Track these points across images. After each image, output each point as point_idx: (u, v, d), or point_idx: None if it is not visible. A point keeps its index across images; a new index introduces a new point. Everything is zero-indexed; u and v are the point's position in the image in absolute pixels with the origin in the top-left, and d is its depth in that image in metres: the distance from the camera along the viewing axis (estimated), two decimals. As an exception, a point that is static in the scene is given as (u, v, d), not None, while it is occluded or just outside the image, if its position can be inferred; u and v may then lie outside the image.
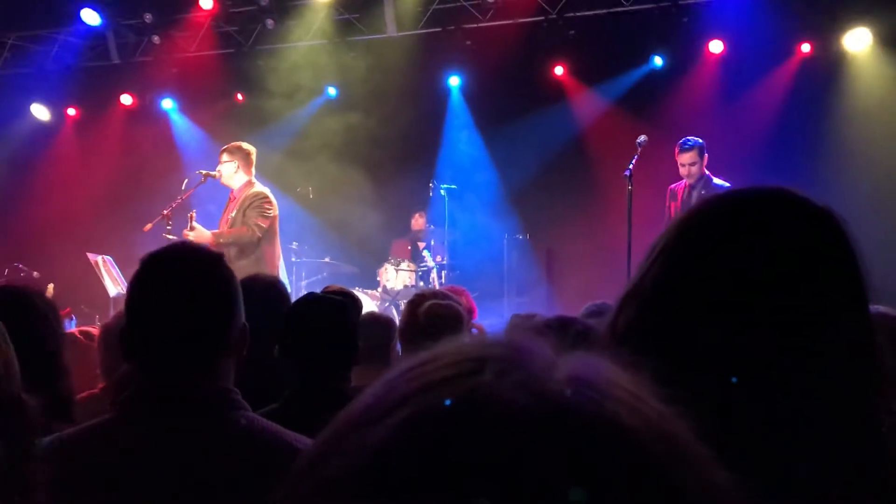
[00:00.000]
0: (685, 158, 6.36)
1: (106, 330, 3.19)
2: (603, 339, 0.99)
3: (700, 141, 6.41)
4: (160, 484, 1.48)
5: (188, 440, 1.52)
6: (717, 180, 6.41)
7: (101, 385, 3.13)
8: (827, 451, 0.87)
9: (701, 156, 6.40)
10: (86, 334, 3.39)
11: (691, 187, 6.46)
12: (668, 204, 6.57)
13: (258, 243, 6.17)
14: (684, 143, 6.43)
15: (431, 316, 2.76)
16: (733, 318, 0.90)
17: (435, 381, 0.46)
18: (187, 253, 1.66)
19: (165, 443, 1.51)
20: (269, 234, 6.27)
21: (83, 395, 2.98)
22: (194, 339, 1.56)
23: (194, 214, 6.14)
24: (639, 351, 0.89)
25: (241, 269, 6.06)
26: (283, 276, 6.82)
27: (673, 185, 6.62)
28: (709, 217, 0.98)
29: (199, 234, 6.09)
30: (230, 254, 6.17)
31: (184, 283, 1.57)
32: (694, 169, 6.38)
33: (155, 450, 1.51)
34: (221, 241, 6.08)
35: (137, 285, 1.60)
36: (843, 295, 0.93)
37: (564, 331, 1.57)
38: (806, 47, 8.09)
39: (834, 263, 0.93)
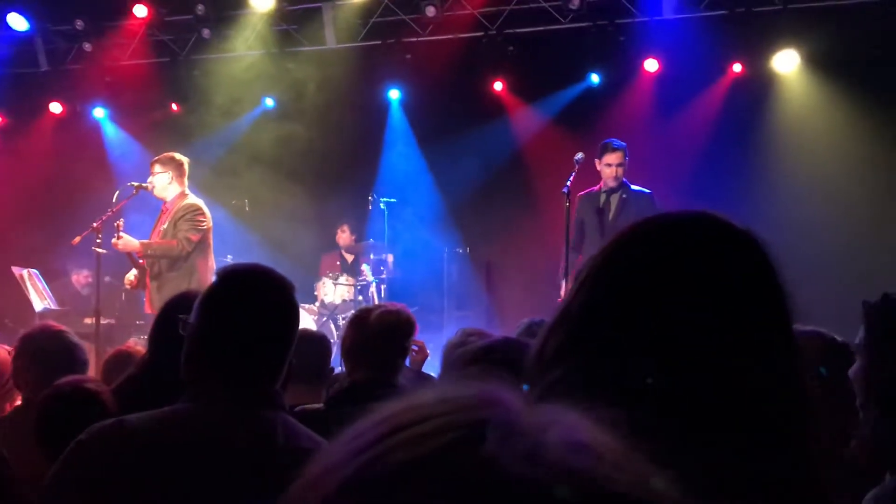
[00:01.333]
0: (613, 158, 6.23)
1: (29, 341, 3.04)
2: (531, 365, 0.98)
3: (623, 143, 6.36)
4: (226, 470, 1.64)
5: (257, 430, 1.71)
6: (635, 186, 6.38)
7: (16, 404, 3.00)
8: (756, 474, 0.87)
9: (626, 157, 6.33)
10: None
11: (611, 191, 6.32)
12: (577, 213, 6.33)
13: (188, 257, 6.05)
14: (612, 142, 6.29)
15: (384, 324, 2.72)
16: (657, 345, 0.90)
17: (436, 451, 0.44)
18: (268, 274, 1.88)
19: (233, 433, 1.68)
20: (201, 246, 6.15)
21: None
22: (269, 358, 1.79)
23: (122, 224, 5.99)
24: (565, 378, 0.89)
25: (172, 280, 5.95)
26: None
27: (583, 193, 6.43)
28: (633, 243, 0.98)
29: (127, 243, 5.94)
30: (161, 266, 6.04)
31: (264, 301, 1.81)
32: (620, 171, 6.27)
33: (227, 437, 1.68)
34: (150, 252, 5.96)
35: (220, 297, 1.81)
36: (767, 317, 0.93)
37: (493, 359, 1.58)
38: (737, 67, 8.32)
39: (756, 286, 0.94)
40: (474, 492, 0.42)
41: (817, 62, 8.03)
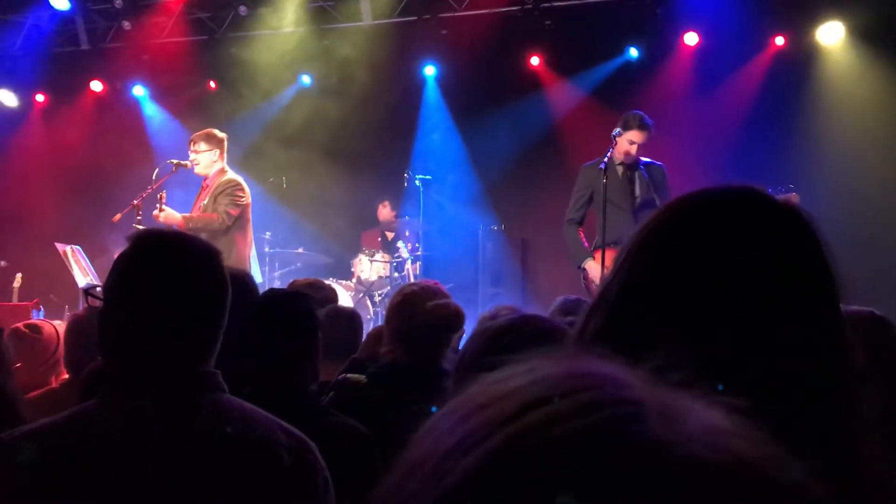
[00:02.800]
0: (638, 137, 5.87)
1: (75, 323, 3.12)
2: (572, 345, 0.98)
3: (648, 119, 5.97)
4: (135, 471, 1.48)
5: (178, 420, 1.53)
6: (645, 158, 6.06)
7: (63, 378, 3.08)
8: (804, 450, 0.86)
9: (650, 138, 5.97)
10: (32, 327, 3.30)
11: (629, 166, 6.00)
12: (583, 184, 6.06)
13: (228, 231, 6.11)
14: (639, 118, 5.91)
15: (438, 317, 2.73)
16: (701, 322, 0.89)
17: (590, 428, 0.40)
18: (178, 240, 1.64)
19: (150, 426, 1.51)
20: (240, 221, 6.21)
21: (36, 392, 2.92)
22: (184, 330, 1.56)
23: (164, 195, 6.06)
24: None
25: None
26: (255, 265, 6.77)
27: (592, 163, 6.07)
28: (674, 220, 0.97)
29: (169, 215, 6.02)
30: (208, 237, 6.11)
31: (175, 273, 1.56)
32: (639, 151, 5.97)
33: (139, 434, 1.50)
34: (191, 225, 6.01)
35: (126, 268, 1.57)
36: (814, 294, 0.92)
37: (522, 333, 1.56)
38: (780, 40, 8.14)
39: (802, 262, 0.93)
40: (640, 472, 0.39)
41: (862, 34, 7.83)
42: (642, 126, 5.92)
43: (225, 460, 1.52)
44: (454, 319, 2.80)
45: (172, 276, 1.55)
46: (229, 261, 5.74)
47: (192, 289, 1.56)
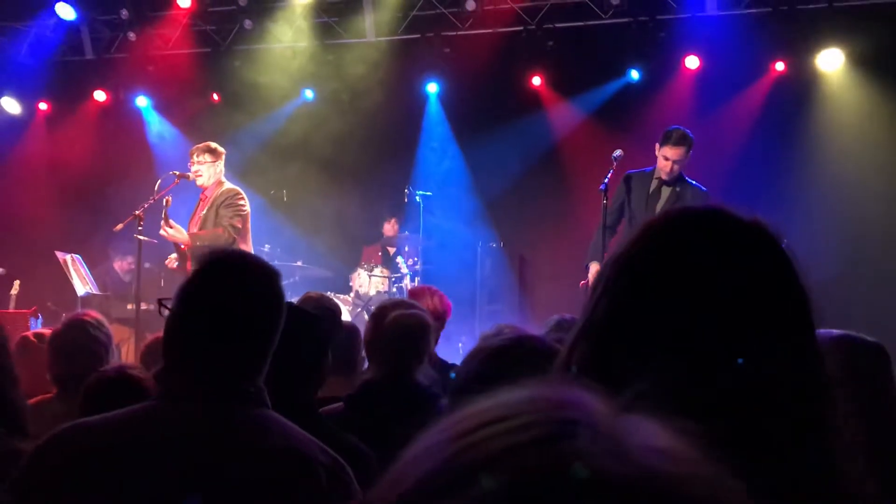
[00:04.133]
0: (672, 153, 5.66)
1: (55, 336, 3.14)
2: (557, 375, 0.98)
3: (692, 135, 5.77)
4: (187, 472, 1.55)
5: (224, 430, 1.60)
6: (694, 182, 5.92)
7: (53, 391, 3.08)
8: (780, 471, 0.87)
9: (688, 153, 5.75)
10: (39, 336, 3.33)
11: (664, 183, 5.82)
12: (620, 191, 5.92)
13: (234, 242, 6.13)
14: (676, 132, 5.69)
15: (397, 326, 2.73)
16: (677, 348, 0.90)
17: (522, 444, 0.45)
18: (250, 261, 1.79)
19: (200, 431, 1.59)
20: (242, 232, 6.24)
21: (35, 399, 2.93)
22: (243, 341, 1.67)
23: (169, 204, 6.05)
24: (647, 392, 0.89)
25: None
26: None
27: (634, 171, 5.97)
28: (646, 246, 0.97)
29: (177, 233, 6.03)
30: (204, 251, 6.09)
31: (244, 288, 1.69)
32: (676, 168, 5.75)
33: (189, 437, 1.58)
34: (198, 242, 6.03)
35: (198, 282, 1.70)
36: (787, 315, 0.93)
37: (517, 355, 1.57)
38: (780, 66, 8.20)
39: (769, 284, 0.93)
40: (558, 486, 0.43)
41: (862, 61, 7.90)
42: (677, 142, 5.67)
43: (267, 472, 1.58)
44: (416, 328, 2.80)
45: (236, 295, 1.67)
46: None
47: (253, 308, 1.68)
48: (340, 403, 2.68)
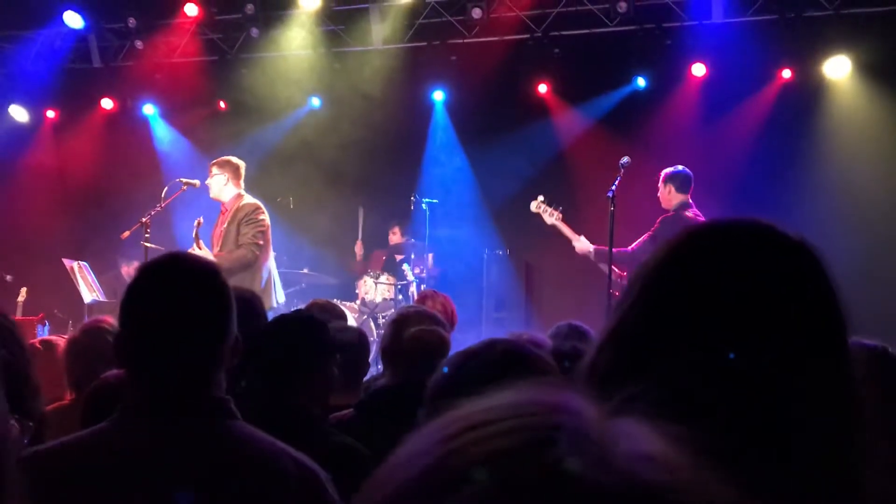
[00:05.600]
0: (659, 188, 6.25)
1: (73, 342, 3.15)
2: (582, 379, 0.98)
3: (670, 170, 6.20)
4: (154, 490, 1.51)
5: (184, 446, 1.54)
6: (689, 214, 6.20)
7: (68, 397, 3.09)
8: (812, 483, 0.87)
9: (663, 182, 6.21)
10: (45, 344, 3.33)
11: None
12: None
13: (256, 259, 6.10)
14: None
15: (417, 342, 2.73)
16: (712, 358, 0.89)
17: (505, 450, 0.45)
18: (185, 263, 1.69)
19: (162, 450, 1.53)
20: (263, 247, 6.23)
21: (51, 406, 2.94)
22: (191, 348, 1.58)
23: (200, 223, 6.02)
24: (641, 394, 0.89)
25: (242, 278, 5.93)
26: (278, 285, 6.72)
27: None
28: (683, 254, 0.97)
29: (205, 255, 5.93)
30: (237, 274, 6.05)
31: (182, 293, 1.59)
32: (662, 199, 6.25)
33: (151, 457, 1.53)
34: (226, 265, 5.95)
35: (136, 292, 1.62)
36: (821, 328, 0.92)
37: (488, 359, 1.56)
38: (787, 73, 8.20)
39: (811, 297, 0.93)
40: (539, 492, 0.43)
41: (869, 68, 7.88)
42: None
43: (231, 487, 1.54)
44: (435, 347, 2.80)
45: (172, 297, 1.59)
46: (255, 283, 5.78)
47: (192, 306, 1.59)
48: (350, 410, 2.68)
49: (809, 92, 8.17)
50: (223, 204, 6.29)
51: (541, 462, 0.44)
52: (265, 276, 6.18)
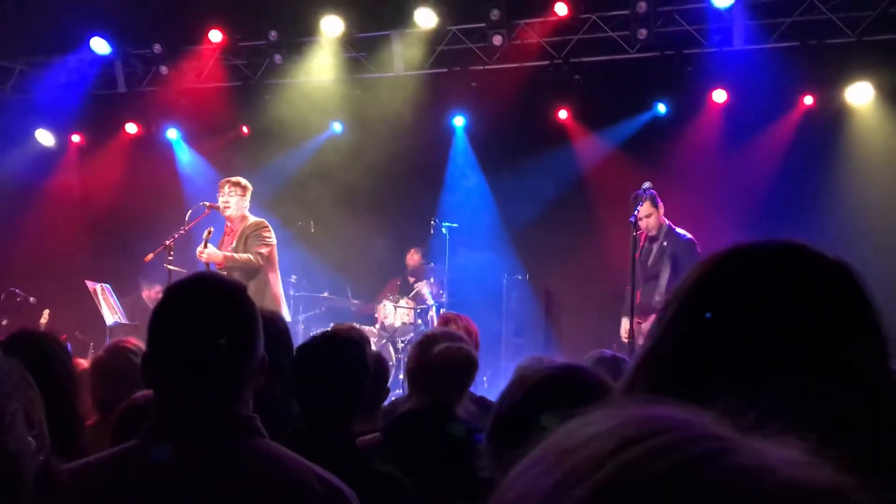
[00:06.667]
0: (641, 211, 6.09)
1: (98, 363, 3.16)
2: (619, 399, 0.97)
3: (652, 191, 6.27)
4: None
5: (210, 466, 1.54)
6: (679, 230, 6.42)
7: (93, 417, 3.10)
8: None
9: (655, 206, 6.36)
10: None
11: (651, 239, 6.42)
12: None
13: (261, 270, 6.32)
14: (638, 194, 6.16)
15: (445, 359, 2.72)
16: (753, 379, 0.89)
17: (687, 460, 0.45)
18: (212, 283, 1.69)
19: (188, 468, 1.53)
20: (269, 261, 6.40)
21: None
22: (217, 367, 1.58)
23: (211, 232, 6.22)
24: (765, 412, 0.88)
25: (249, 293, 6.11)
26: (284, 304, 6.87)
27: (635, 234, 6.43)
28: (721, 273, 0.96)
29: (212, 253, 6.18)
30: (239, 277, 6.22)
31: (209, 312, 1.60)
32: (650, 222, 6.35)
33: (176, 476, 1.53)
34: (230, 263, 6.20)
35: (161, 313, 1.63)
36: (865, 349, 0.91)
37: (565, 386, 1.55)
38: (809, 99, 8.17)
39: (854, 318, 0.92)
40: (753, 495, 0.43)
41: (892, 95, 7.86)
42: (641, 199, 6.19)
43: None
44: (464, 363, 2.78)
45: (199, 316, 1.60)
46: (265, 300, 5.92)
47: (219, 325, 1.59)
48: (378, 434, 2.66)
49: (831, 118, 8.14)
50: (230, 223, 6.41)
51: (730, 468, 0.44)
52: (274, 294, 6.41)
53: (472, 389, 4.22)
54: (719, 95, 8.40)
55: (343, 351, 2.26)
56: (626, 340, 6.18)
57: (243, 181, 6.56)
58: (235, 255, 6.26)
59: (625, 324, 6.26)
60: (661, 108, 8.70)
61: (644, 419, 0.48)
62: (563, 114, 9.10)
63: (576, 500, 0.44)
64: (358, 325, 7.82)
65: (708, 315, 0.94)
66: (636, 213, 5.75)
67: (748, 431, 0.49)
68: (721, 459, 0.44)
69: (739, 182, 8.08)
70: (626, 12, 8.20)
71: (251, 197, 6.60)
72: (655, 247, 6.41)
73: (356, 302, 9.03)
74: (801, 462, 0.46)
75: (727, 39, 8.18)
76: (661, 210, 6.39)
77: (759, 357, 0.90)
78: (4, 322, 8.39)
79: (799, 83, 8.09)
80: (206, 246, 6.15)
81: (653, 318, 6.04)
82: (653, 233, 6.36)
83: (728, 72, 8.19)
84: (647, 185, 5.98)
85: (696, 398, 0.89)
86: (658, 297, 6.21)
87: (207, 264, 6.20)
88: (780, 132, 8.25)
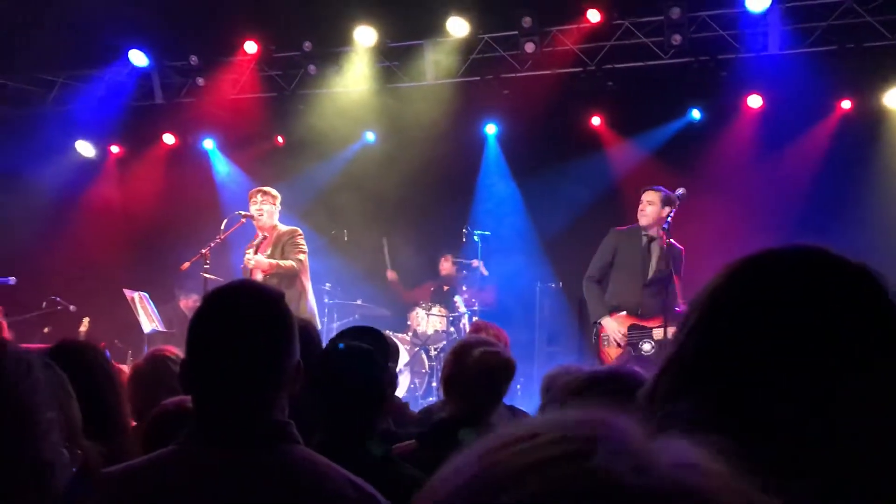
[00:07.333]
0: (648, 196, 6.23)
1: (137, 370, 3.22)
2: (641, 405, 0.98)
3: (667, 191, 6.24)
4: None
5: (247, 471, 1.56)
6: (671, 240, 6.21)
7: (133, 424, 3.15)
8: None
9: (661, 202, 6.18)
10: None
11: (651, 238, 6.24)
12: (610, 244, 6.41)
13: (298, 276, 6.43)
14: (659, 188, 6.29)
15: (482, 364, 2.72)
16: (774, 385, 0.89)
17: (547, 459, 0.47)
18: (249, 290, 1.72)
19: (224, 474, 1.55)
20: (304, 267, 6.54)
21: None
22: (254, 373, 1.60)
23: (264, 239, 6.38)
24: (684, 411, 0.89)
25: (288, 299, 6.23)
26: (316, 312, 6.97)
27: (623, 228, 6.47)
28: (742, 279, 0.96)
29: (259, 260, 6.31)
30: (280, 284, 6.31)
31: (245, 319, 1.62)
32: (648, 209, 6.17)
33: (214, 481, 1.55)
34: (275, 270, 6.32)
35: (200, 320, 1.66)
36: (886, 355, 0.91)
37: (598, 389, 1.54)
38: (846, 104, 8.06)
39: (875, 323, 0.92)
40: (581, 498, 0.45)
41: (932, 99, 7.72)
42: (652, 188, 6.29)
43: None
44: (502, 367, 2.78)
45: (237, 322, 1.62)
46: (300, 307, 6.04)
47: (256, 331, 1.61)
48: (413, 441, 2.68)
49: (870, 123, 8.01)
50: (263, 231, 6.49)
51: (582, 469, 0.46)
52: (309, 302, 6.53)
53: (505, 399, 4.24)
54: (754, 101, 8.32)
55: (355, 364, 2.27)
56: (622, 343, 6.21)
57: (273, 190, 6.66)
58: (281, 262, 6.35)
59: (610, 325, 6.28)
60: (696, 114, 8.64)
61: (555, 421, 0.51)
62: (596, 120, 9.06)
63: (449, 489, 0.49)
64: (391, 333, 7.87)
65: (729, 320, 0.95)
66: (669, 219, 5.71)
67: (674, 436, 0.50)
68: (570, 462, 0.47)
69: (775, 189, 7.98)
70: (660, 18, 8.16)
71: (280, 205, 6.69)
72: (655, 247, 6.27)
73: (385, 312, 9.06)
74: (686, 467, 0.47)
75: (762, 44, 8.10)
76: (665, 213, 6.15)
77: (778, 362, 0.90)
78: (46, 329, 8.55)
79: (836, 87, 7.99)
80: (256, 252, 6.28)
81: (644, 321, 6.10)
82: (645, 222, 6.22)
83: (763, 77, 8.11)
84: (681, 191, 5.93)
85: (719, 403, 0.90)
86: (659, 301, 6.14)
87: (253, 270, 6.29)
88: (816, 138, 8.15)
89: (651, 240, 6.25)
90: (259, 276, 6.22)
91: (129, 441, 2.30)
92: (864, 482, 0.87)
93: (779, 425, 0.87)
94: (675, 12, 7.94)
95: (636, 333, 6.19)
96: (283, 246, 6.42)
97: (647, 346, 6.09)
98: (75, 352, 2.26)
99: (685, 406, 0.91)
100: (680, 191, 5.93)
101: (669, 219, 5.76)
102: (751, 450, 0.55)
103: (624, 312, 6.22)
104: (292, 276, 6.35)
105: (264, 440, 1.60)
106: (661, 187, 6.28)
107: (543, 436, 0.49)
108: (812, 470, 0.85)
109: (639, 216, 6.26)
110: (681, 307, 5.90)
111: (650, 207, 6.18)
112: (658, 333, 6.01)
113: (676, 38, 8.03)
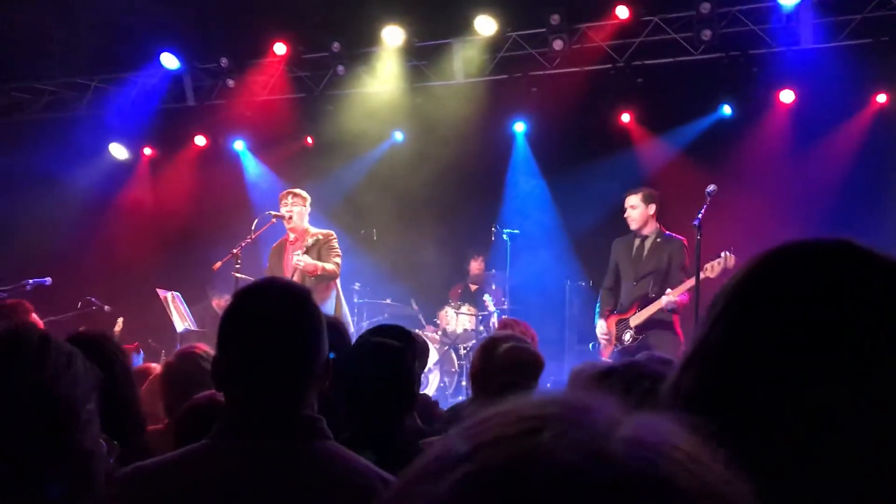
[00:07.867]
0: (627, 202, 6.48)
1: (169, 368, 3.26)
2: (665, 401, 0.97)
3: (648, 189, 6.51)
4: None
5: (278, 465, 1.58)
6: (668, 232, 6.50)
7: (165, 421, 3.19)
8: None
9: (646, 202, 6.41)
10: (140, 372, 3.45)
11: (643, 237, 6.47)
12: (612, 257, 6.71)
13: (334, 279, 6.57)
14: (640, 187, 6.56)
15: (511, 357, 2.72)
16: (800, 379, 0.87)
17: (494, 439, 0.49)
18: (279, 288, 1.74)
19: (256, 467, 1.58)
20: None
21: (148, 428, 3.04)
22: (283, 369, 1.63)
23: (316, 239, 6.48)
24: (705, 413, 0.88)
25: (322, 300, 6.30)
26: (347, 311, 7.05)
27: (620, 238, 6.76)
28: (771, 273, 0.95)
29: (308, 262, 6.37)
30: (317, 287, 6.38)
31: (276, 316, 1.65)
32: (634, 214, 6.40)
33: (246, 474, 1.57)
34: (320, 272, 6.40)
35: (231, 317, 1.68)
36: None
37: (629, 377, 1.53)
38: (881, 97, 7.93)
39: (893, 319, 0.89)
40: (515, 475, 0.46)
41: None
42: (631, 191, 6.59)
43: None
44: (530, 361, 2.77)
45: (267, 318, 1.64)
46: (334, 306, 6.13)
47: (286, 328, 1.64)
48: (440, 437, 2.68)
49: (906, 117, 7.87)
50: (294, 232, 6.52)
51: (520, 447, 0.47)
52: (341, 302, 6.67)
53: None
54: (787, 96, 8.21)
55: (383, 360, 2.27)
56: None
57: (303, 192, 6.73)
58: (325, 265, 6.43)
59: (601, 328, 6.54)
60: (727, 109, 8.54)
61: (532, 402, 0.52)
62: (625, 117, 9.00)
63: (428, 460, 0.51)
64: (421, 332, 7.89)
65: (744, 315, 0.94)
66: (700, 216, 5.66)
67: (640, 414, 0.51)
68: (521, 439, 0.48)
69: (808, 185, 7.87)
70: (690, 13, 8.08)
71: (310, 206, 6.73)
72: (648, 243, 6.51)
73: (415, 311, 9.08)
74: (642, 445, 0.47)
75: (794, 38, 7.98)
76: (652, 210, 6.42)
77: (801, 357, 0.88)
78: (82, 329, 8.67)
79: (871, 81, 7.85)
80: (304, 253, 6.35)
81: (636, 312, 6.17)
82: (633, 227, 6.45)
83: (795, 71, 8.00)
84: (712, 187, 5.87)
85: (741, 397, 0.88)
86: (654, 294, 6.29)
87: (296, 270, 6.34)
88: (850, 132, 8.01)
89: (644, 239, 6.49)
90: (296, 277, 6.27)
91: (148, 436, 2.32)
92: (864, 482, 0.85)
93: (779, 425, 0.86)
94: (706, 7, 7.86)
95: (620, 327, 6.47)
96: (319, 249, 6.48)
97: (626, 337, 6.34)
98: (91, 342, 2.26)
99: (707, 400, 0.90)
100: (711, 187, 5.87)
101: (700, 215, 5.70)
102: (751, 449, 0.55)
103: (616, 312, 6.52)
104: (330, 279, 6.42)
105: (296, 435, 1.62)
106: (640, 188, 6.55)
107: (506, 415, 0.50)
108: (810, 470, 0.84)
109: (628, 222, 6.55)
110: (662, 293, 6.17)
111: (633, 211, 6.45)
112: (634, 320, 6.32)
113: (707, 34, 7.95)
